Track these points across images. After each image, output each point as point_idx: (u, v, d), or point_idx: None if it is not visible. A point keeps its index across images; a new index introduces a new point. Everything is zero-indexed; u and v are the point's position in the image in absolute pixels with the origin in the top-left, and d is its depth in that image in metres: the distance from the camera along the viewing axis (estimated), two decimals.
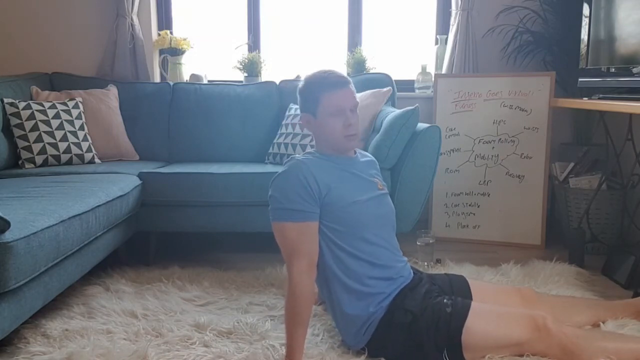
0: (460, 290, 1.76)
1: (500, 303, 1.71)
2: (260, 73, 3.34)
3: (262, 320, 1.87)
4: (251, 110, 3.05)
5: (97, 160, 2.83)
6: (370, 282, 1.65)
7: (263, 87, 3.14)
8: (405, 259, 1.80)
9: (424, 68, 3.29)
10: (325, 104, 1.67)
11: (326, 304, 1.79)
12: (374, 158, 1.93)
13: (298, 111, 2.84)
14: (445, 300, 1.60)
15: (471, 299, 1.68)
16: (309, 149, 1.84)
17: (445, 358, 1.52)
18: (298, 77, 3.33)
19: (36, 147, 2.67)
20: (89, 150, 2.80)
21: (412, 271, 1.78)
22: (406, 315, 1.59)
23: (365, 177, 1.75)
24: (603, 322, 1.79)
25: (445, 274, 1.92)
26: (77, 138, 2.78)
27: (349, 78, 1.72)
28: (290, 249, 1.61)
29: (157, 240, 2.65)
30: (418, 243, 2.53)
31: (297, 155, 1.74)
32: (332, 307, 1.72)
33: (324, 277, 1.68)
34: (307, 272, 1.59)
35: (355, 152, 1.82)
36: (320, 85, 1.69)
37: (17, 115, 2.68)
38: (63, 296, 2.06)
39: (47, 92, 2.96)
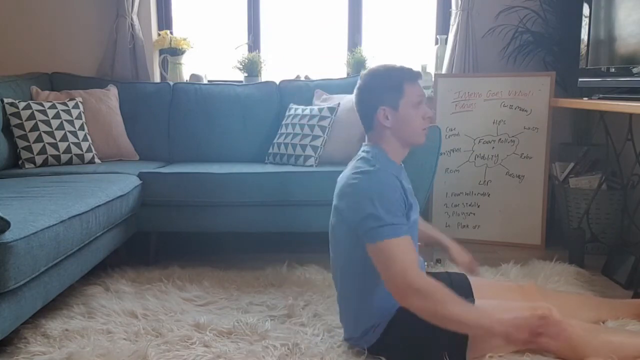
0: (461, 289, 1.75)
1: (502, 299, 1.71)
2: (260, 73, 3.34)
3: (262, 320, 1.87)
4: (251, 110, 3.05)
5: (97, 160, 2.83)
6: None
7: (263, 87, 3.14)
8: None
9: (424, 68, 3.29)
10: (409, 94, 1.59)
11: (342, 295, 1.72)
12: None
13: (298, 111, 2.85)
14: None
15: (472, 297, 1.68)
16: (364, 150, 1.65)
17: (446, 358, 1.52)
18: (298, 77, 3.33)
19: (36, 147, 2.67)
20: (89, 150, 2.80)
21: None
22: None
23: (411, 192, 1.65)
24: (604, 322, 1.79)
25: (447, 272, 1.92)
26: (77, 138, 2.78)
27: None
28: (402, 268, 1.46)
29: (157, 240, 2.65)
30: (418, 243, 2.53)
31: (371, 165, 1.57)
32: (356, 298, 1.65)
33: (363, 267, 1.59)
34: (422, 274, 1.50)
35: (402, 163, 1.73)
36: (404, 74, 1.60)
37: (17, 115, 2.68)
38: (63, 296, 2.06)
39: (47, 92, 2.95)
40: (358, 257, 1.59)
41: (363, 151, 1.66)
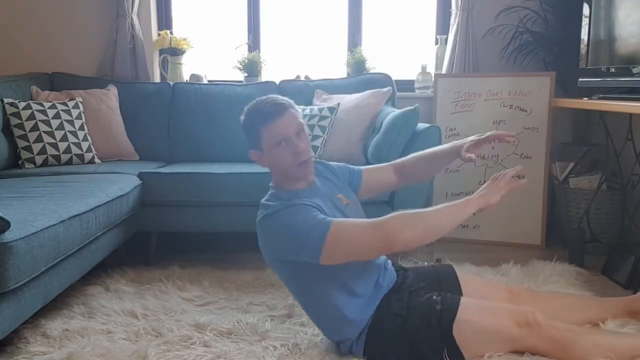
0: (449, 285, 1.74)
1: (488, 297, 1.71)
2: (260, 73, 3.34)
3: (262, 320, 1.88)
4: None
5: (97, 160, 2.83)
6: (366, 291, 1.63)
7: (263, 87, 3.14)
8: (389, 261, 1.77)
9: (424, 68, 3.29)
10: (266, 137, 1.60)
11: (312, 312, 1.73)
12: (333, 166, 1.81)
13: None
14: (434, 297, 1.59)
15: (460, 292, 1.68)
16: (270, 186, 1.70)
17: (446, 358, 1.52)
18: (298, 77, 3.33)
19: (36, 147, 2.67)
20: (89, 150, 2.80)
21: (395, 273, 1.74)
22: (396, 320, 1.57)
23: (328, 204, 1.64)
24: (602, 322, 1.78)
25: (432, 265, 1.89)
26: (77, 138, 2.78)
27: (287, 102, 1.63)
28: (359, 236, 1.49)
29: (157, 240, 2.65)
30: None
31: (267, 207, 1.59)
32: (326, 315, 1.66)
33: (303, 293, 1.65)
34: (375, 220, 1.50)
35: (314, 180, 1.69)
36: (256, 119, 1.62)
37: (17, 115, 2.68)
38: (63, 296, 2.06)
39: (47, 92, 2.96)
40: (297, 284, 1.64)
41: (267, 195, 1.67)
